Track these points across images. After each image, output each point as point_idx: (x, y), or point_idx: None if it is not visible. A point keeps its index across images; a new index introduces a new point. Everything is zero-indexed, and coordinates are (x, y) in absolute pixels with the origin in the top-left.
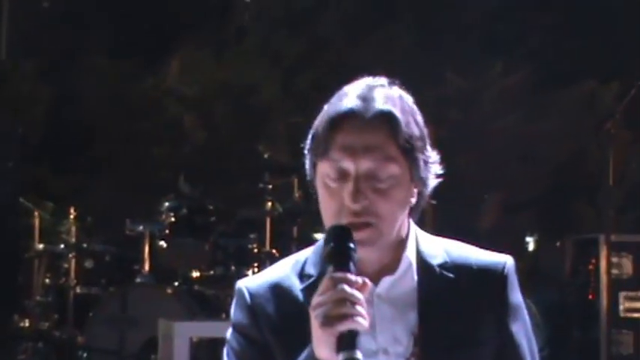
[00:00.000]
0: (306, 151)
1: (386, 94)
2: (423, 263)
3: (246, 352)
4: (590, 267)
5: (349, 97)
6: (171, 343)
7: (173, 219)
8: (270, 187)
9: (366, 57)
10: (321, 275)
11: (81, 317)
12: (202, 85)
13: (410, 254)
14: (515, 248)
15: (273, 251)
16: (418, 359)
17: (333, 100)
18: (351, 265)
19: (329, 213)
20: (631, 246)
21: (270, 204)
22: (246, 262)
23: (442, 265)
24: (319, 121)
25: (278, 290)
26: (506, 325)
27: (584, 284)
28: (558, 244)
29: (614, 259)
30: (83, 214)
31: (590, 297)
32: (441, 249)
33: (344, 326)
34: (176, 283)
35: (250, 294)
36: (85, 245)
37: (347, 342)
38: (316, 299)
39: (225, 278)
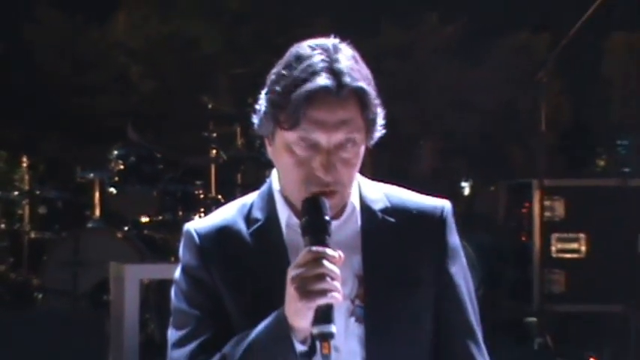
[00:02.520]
0: (262, 111)
1: (351, 66)
2: (365, 208)
3: (195, 292)
4: (524, 210)
5: (316, 68)
6: (122, 285)
7: (122, 166)
8: (215, 135)
9: (304, 10)
10: (267, 220)
11: (35, 261)
12: (147, 38)
13: (354, 200)
14: (450, 193)
15: (219, 197)
16: (362, 299)
17: (292, 62)
18: (327, 238)
19: (295, 179)
20: (563, 190)
21: (214, 152)
22: (192, 208)
23: (383, 210)
24: (282, 88)
25: (226, 233)
26: (445, 267)
27: (517, 227)
28: (492, 188)
29: (547, 203)
30: (36, 163)
31: (523, 239)
32: (382, 194)
33: (323, 300)
34: (126, 228)
35: (199, 236)
36: (38, 192)
37: (324, 316)
38: (295, 271)
39: (173, 223)
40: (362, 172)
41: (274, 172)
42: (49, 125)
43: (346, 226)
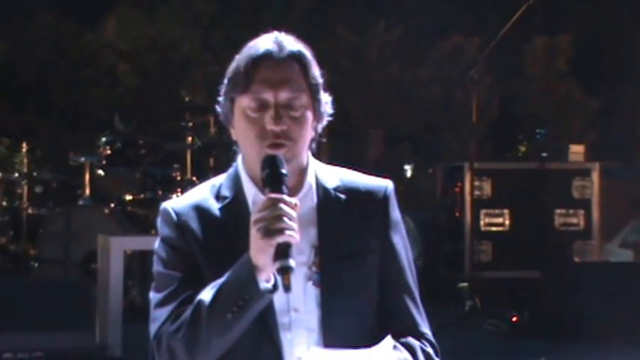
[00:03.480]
0: (222, 94)
1: (294, 41)
2: (320, 187)
3: (175, 258)
4: (457, 189)
5: (264, 42)
6: (109, 255)
7: (109, 152)
8: (191, 124)
9: (272, 17)
10: (234, 197)
11: (32, 234)
12: (134, 40)
13: (310, 179)
14: (395, 174)
15: (194, 178)
16: (318, 267)
17: (245, 50)
18: (284, 189)
19: (251, 137)
20: (490, 172)
21: (190, 139)
22: (170, 188)
23: (336, 189)
24: (235, 66)
25: (199, 209)
26: (388, 237)
27: (451, 204)
28: (431, 170)
29: (477, 183)
30: (33, 148)
31: (457, 215)
32: (335, 175)
33: (282, 238)
34: (112, 205)
35: (176, 213)
36: (35, 174)
37: (283, 252)
38: (257, 215)
39: (153, 201)
40: (319, 158)
41: (240, 156)
42: (46, 115)
43: (304, 202)
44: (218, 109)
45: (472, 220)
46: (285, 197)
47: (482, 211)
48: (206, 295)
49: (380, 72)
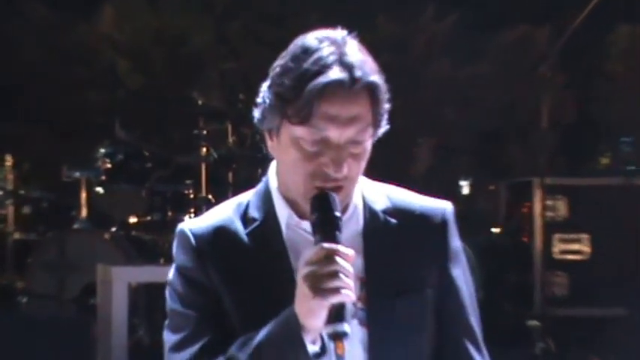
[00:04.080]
0: (267, 104)
1: (361, 59)
2: (367, 208)
3: (192, 294)
4: (525, 210)
5: (327, 61)
6: (110, 288)
7: (109, 165)
8: (205, 132)
9: (297, 3)
10: (265, 219)
11: (20, 263)
12: (135, 32)
13: (356, 200)
14: (448, 192)
15: (209, 196)
16: (364, 303)
17: (299, 55)
18: (338, 235)
19: (301, 173)
20: (565, 189)
21: (204, 150)
22: (182, 208)
23: (385, 211)
24: (291, 80)
25: (222, 233)
26: (447, 270)
27: (518, 227)
28: (492, 187)
29: (549, 202)
30: (20, 161)
31: (525, 240)
32: (384, 194)
33: (337, 299)
34: (113, 229)
35: (195, 237)
36: (22, 192)
37: (337, 314)
38: (308, 268)
39: (162, 224)
40: None
41: (271, 170)
42: (33, 122)
43: (348, 226)
44: (255, 112)
45: (543, 246)
46: (341, 248)
47: (556, 236)
48: (239, 351)
49: (428, 69)
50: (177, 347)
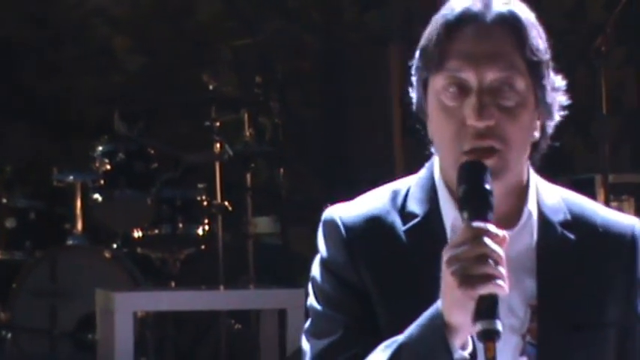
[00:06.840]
0: (413, 73)
1: (506, 1)
2: (543, 219)
3: (341, 294)
4: None
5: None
6: (112, 319)
7: (108, 166)
8: (218, 124)
9: None
10: (427, 216)
11: (3, 289)
12: (133, 4)
13: (531, 206)
14: None
15: (226, 203)
16: (535, 337)
17: (443, 9)
18: (490, 214)
19: (446, 137)
20: (633, 187)
21: (218, 146)
22: (195, 218)
23: (563, 223)
24: (427, 32)
25: (377, 226)
26: (633, 306)
27: None
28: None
29: (613, 204)
30: (1, 164)
31: None
32: (561, 202)
33: (487, 289)
34: (115, 246)
35: (345, 227)
36: (4, 201)
37: (487, 309)
38: (452, 251)
39: (172, 238)
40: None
41: (436, 158)
42: (16, 116)
43: (519, 239)
44: (411, 94)
45: None
46: (492, 227)
47: None
48: (380, 356)
49: None
50: (324, 354)
